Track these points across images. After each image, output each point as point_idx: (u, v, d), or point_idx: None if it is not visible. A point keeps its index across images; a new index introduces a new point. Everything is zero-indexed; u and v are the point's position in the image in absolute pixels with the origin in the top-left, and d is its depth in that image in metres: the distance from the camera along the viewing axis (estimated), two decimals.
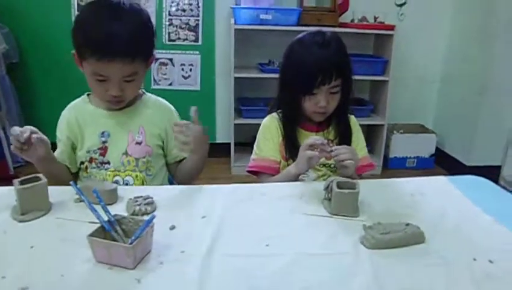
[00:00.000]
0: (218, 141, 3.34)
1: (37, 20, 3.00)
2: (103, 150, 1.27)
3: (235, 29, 2.75)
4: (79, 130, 1.28)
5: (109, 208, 0.99)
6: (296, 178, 1.27)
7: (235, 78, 2.85)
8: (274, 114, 1.43)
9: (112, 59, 1.11)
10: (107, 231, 0.84)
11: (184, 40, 3.11)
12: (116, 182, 1.25)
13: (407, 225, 0.92)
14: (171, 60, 3.14)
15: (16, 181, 0.99)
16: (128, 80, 1.18)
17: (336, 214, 1.01)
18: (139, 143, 1.29)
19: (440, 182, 1.27)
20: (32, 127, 1.12)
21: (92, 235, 0.80)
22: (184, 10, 3.05)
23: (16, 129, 1.09)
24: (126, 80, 1.17)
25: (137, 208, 1.01)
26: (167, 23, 3.06)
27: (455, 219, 1.03)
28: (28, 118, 3.12)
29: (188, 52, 3.14)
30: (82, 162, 1.29)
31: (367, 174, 1.45)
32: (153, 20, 2.96)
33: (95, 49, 1.11)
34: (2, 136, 2.77)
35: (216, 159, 3.09)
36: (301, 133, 1.39)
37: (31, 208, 0.98)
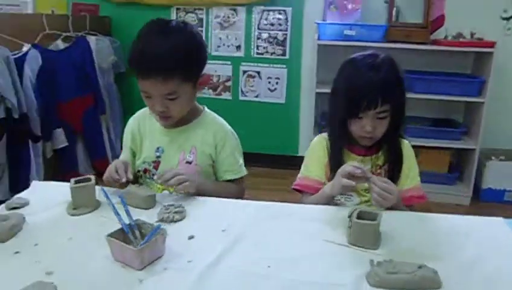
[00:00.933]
0: (300, 154, 3.35)
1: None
2: (156, 164, 1.37)
3: (319, 45, 2.75)
4: (139, 140, 1.42)
5: (145, 212, 1.13)
6: (330, 199, 1.26)
7: (318, 93, 2.85)
8: (324, 134, 1.42)
9: (146, 77, 1.19)
10: (126, 234, 0.94)
11: (272, 53, 3.21)
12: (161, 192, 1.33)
13: (421, 267, 0.85)
14: (258, 72, 3.26)
15: (72, 180, 1.15)
16: (170, 98, 1.23)
17: (354, 244, 0.99)
18: (189, 162, 1.35)
19: (496, 223, 1.14)
20: (123, 166, 1.25)
21: (110, 235, 0.91)
22: (273, 24, 3.15)
23: (113, 174, 1.23)
24: (167, 98, 1.22)
25: (166, 215, 1.10)
26: (255, 36, 3.19)
27: (494, 271, 0.91)
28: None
29: (275, 65, 3.23)
30: (138, 171, 1.41)
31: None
32: (242, 33, 3.14)
33: (133, 66, 1.22)
34: (105, 137, 3.15)
35: (297, 172, 3.12)
36: (349, 156, 1.36)
37: (81, 204, 1.13)
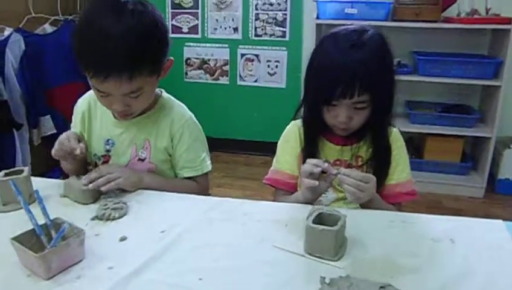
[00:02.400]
0: None
1: None
2: (106, 158, 1.21)
3: (318, 24, 2.55)
4: (88, 127, 1.25)
5: (85, 208, 0.99)
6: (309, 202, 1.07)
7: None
8: (298, 121, 1.23)
9: (106, 78, 0.98)
10: (38, 235, 0.80)
11: (271, 35, 3.02)
12: None
13: (383, 287, 0.69)
14: (257, 56, 3.09)
15: (1, 173, 1.03)
16: (134, 96, 1.05)
17: (310, 254, 0.82)
18: (142, 160, 1.19)
19: (494, 227, 0.95)
20: (77, 136, 1.13)
21: (17, 237, 0.78)
22: (271, 4, 2.96)
23: (65, 142, 1.11)
24: (130, 96, 1.05)
25: (102, 212, 0.96)
26: (254, 17, 3.01)
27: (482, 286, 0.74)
28: None
29: (274, 48, 3.05)
30: (88, 163, 1.26)
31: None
32: (239, 14, 2.96)
33: (86, 65, 1.00)
34: None
35: None
36: (325, 144, 1.18)
37: (11, 200, 1.00)
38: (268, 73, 3.11)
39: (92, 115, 1.25)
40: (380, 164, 1.14)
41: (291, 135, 1.22)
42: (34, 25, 2.57)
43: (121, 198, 1.04)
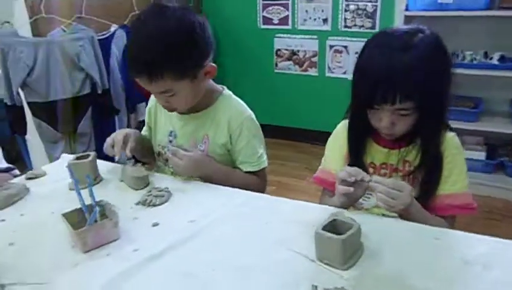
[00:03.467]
0: None
1: (229, 9, 3.38)
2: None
3: (407, 17, 2.39)
4: (154, 120, 1.38)
5: (136, 193, 1.11)
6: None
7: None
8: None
9: (134, 75, 1.11)
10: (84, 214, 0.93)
11: (360, 26, 2.91)
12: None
13: None
14: (345, 47, 3.01)
15: (73, 156, 1.21)
16: (168, 95, 1.14)
17: (320, 260, 0.82)
18: (201, 152, 1.25)
19: None
20: (123, 139, 1.22)
21: (67, 213, 0.91)
22: None
23: (108, 148, 1.24)
24: (164, 95, 1.14)
25: (145, 198, 1.07)
26: (343, 8, 2.92)
27: None
28: None
29: (363, 39, 2.89)
30: (153, 152, 1.38)
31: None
32: (329, 6, 2.91)
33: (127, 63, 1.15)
34: None
35: None
36: (373, 146, 1.14)
37: (80, 180, 1.16)
38: None
39: (158, 109, 1.36)
40: (428, 172, 1.06)
41: (340, 134, 1.19)
42: None
43: (167, 186, 1.13)
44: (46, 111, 2.31)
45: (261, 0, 3.21)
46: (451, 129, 1.12)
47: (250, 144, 1.26)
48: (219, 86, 1.32)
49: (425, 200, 1.04)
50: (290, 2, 3.10)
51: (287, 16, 3.14)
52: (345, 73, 3.07)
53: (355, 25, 2.93)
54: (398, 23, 2.52)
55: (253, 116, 1.30)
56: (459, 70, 2.31)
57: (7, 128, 2.42)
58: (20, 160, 2.70)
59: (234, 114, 1.26)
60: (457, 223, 1.10)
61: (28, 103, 2.28)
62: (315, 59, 3.14)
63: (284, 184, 2.74)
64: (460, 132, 2.60)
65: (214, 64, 1.19)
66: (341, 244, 0.77)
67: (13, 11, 2.29)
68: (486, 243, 0.86)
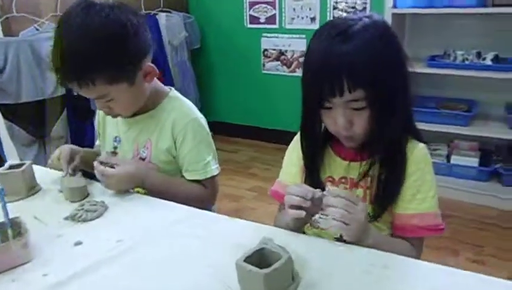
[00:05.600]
0: None
1: (216, 8, 3.29)
2: (114, 156, 1.21)
3: (395, 15, 2.28)
4: (103, 126, 1.29)
5: (71, 205, 1.02)
6: (296, 230, 0.93)
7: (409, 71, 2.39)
8: None
9: (61, 83, 1.03)
10: None
11: None
12: None
13: None
14: None
15: (6, 164, 1.12)
16: (105, 101, 1.06)
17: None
18: (143, 159, 1.17)
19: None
20: (69, 154, 1.17)
21: None
22: None
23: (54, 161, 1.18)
24: (101, 100, 1.06)
25: (75, 212, 0.97)
26: (331, 6, 2.81)
27: None
28: (205, 101, 3.48)
29: None
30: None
31: None
32: (316, 3, 2.80)
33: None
34: None
35: None
36: (332, 158, 1.02)
37: (9, 191, 1.07)
38: None
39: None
40: (387, 186, 0.95)
41: (298, 144, 1.08)
42: None
43: (104, 198, 1.04)
44: (17, 113, 2.23)
45: None
46: (421, 140, 1.00)
47: (195, 149, 1.16)
48: (166, 87, 1.23)
49: (376, 216, 0.94)
50: (277, 0, 2.99)
51: (274, 14, 3.04)
52: None
53: None
54: (386, 20, 2.41)
55: (202, 120, 1.20)
56: (450, 72, 2.27)
57: None
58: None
59: (179, 116, 1.16)
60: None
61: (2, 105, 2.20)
62: (303, 59, 3.03)
63: (266, 189, 2.63)
64: (452, 137, 2.51)
65: (152, 65, 1.10)
66: (263, 280, 0.66)
67: None
68: (440, 274, 0.75)
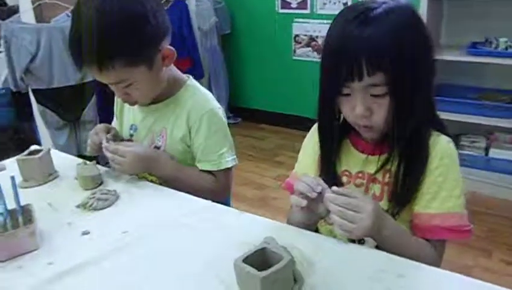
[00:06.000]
0: None
1: (249, 4, 3.24)
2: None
3: None
4: (120, 110, 1.29)
5: (85, 193, 1.03)
6: (307, 226, 0.89)
7: (436, 60, 2.27)
8: None
9: (81, 67, 1.01)
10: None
11: None
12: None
13: None
14: None
15: (26, 151, 1.14)
16: (123, 86, 1.04)
17: None
18: (158, 147, 1.16)
19: None
20: (105, 129, 1.17)
21: None
22: None
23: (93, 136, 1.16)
24: (119, 85, 1.04)
25: (86, 201, 0.98)
26: None
27: None
28: (235, 87, 3.45)
29: None
30: None
31: None
32: None
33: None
34: None
35: None
36: (349, 151, 0.97)
37: (29, 177, 1.10)
38: None
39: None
40: (407, 180, 0.89)
41: (315, 135, 1.04)
42: None
43: (117, 187, 1.04)
44: (49, 98, 2.29)
45: None
46: (446, 133, 0.93)
47: (210, 140, 1.13)
48: (184, 76, 1.21)
49: (394, 214, 0.88)
50: None
51: None
52: None
53: None
54: (422, 5, 2.28)
55: (219, 110, 1.16)
56: (491, 60, 2.12)
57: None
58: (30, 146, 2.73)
59: (195, 106, 1.14)
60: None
61: (32, 90, 2.27)
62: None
63: None
64: (491, 129, 2.37)
65: (171, 48, 1.07)
66: (260, 283, 0.63)
67: None
68: (459, 285, 0.70)
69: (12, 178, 0.89)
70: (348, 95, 0.84)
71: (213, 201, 1.00)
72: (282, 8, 3.06)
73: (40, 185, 1.10)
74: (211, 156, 1.14)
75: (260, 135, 3.31)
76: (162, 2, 2.82)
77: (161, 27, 1.04)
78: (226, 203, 1.30)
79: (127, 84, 1.04)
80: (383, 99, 0.82)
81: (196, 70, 3.01)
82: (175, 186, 1.08)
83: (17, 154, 1.14)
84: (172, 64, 1.15)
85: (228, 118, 3.52)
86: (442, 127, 0.93)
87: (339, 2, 2.82)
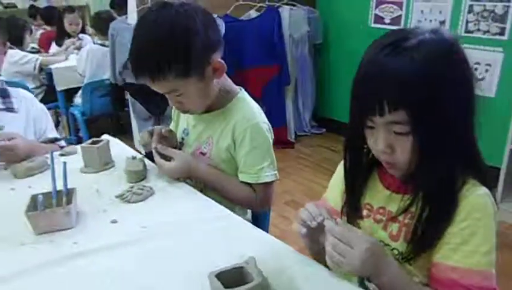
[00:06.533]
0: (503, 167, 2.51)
1: (342, 4, 3.19)
2: (182, 146, 1.31)
3: None
4: (177, 118, 1.38)
5: (126, 185, 1.15)
6: (315, 256, 0.91)
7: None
8: None
9: (138, 77, 1.10)
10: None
11: (485, 32, 2.44)
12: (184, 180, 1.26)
13: None
14: None
15: (90, 140, 1.30)
16: (177, 95, 1.12)
17: None
18: (203, 154, 1.23)
19: None
20: (160, 133, 1.24)
21: (36, 195, 0.98)
22: None
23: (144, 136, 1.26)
24: (172, 95, 1.12)
25: (124, 192, 1.09)
26: (466, 9, 2.49)
27: None
28: (322, 97, 3.44)
29: (487, 48, 2.46)
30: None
31: None
32: (449, 5, 2.54)
33: None
34: (289, 107, 3.22)
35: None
36: (375, 185, 0.94)
37: (89, 164, 1.26)
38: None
39: None
40: (428, 226, 0.82)
41: None
42: (241, 11, 2.90)
43: (156, 184, 1.15)
44: (139, 92, 2.54)
45: None
46: (486, 184, 0.84)
47: (251, 153, 1.17)
48: (237, 88, 1.26)
49: (409, 258, 0.84)
50: (404, 1, 2.77)
51: (400, 15, 2.83)
52: None
53: (478, 30, 2.47)
54: None
55: (263, 124, 1.20)
56: None
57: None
58: (127, 132, 3.06)
59: (241, 118, 1.18)
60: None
61: (127, 84, 2.54)
62: None
63: None
64: None
65: (222, 61, 1.13)
66: None
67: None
68: None
69: (64, 163, 1.04)
70: (372, 127, 0.81)
71: (253, 213, 1.04)
72: (375, 22, 2.98)
73: (96, 172, 1.24)
74: (251, 169, 1.18)
75: (340, 149, 3.25)
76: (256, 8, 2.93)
77: (212, 41, 1.10)
78: (266, 217, 1.35)
79: (179, 94, 1.12)
80: (406, 137, 0.78)
81: (282, 77, 3.07)
82: (217, 192, 1.16)
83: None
84: (226, 76, 1.22)
85: (312, 127, 3.58)
86: (482, 176, 0.84)
87: (435, 20, 2.65)
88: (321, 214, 0.82)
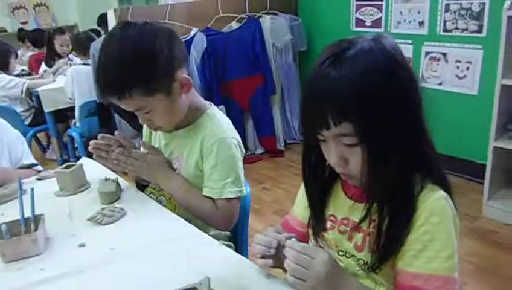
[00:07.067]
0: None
1: (324, 10, 3.21)
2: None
3: (510, 18, 1.93)
4: (149, 137, 1.40)
5: (99, 207, 1.16)
6: None
7: (505, 86, 2.05)
8: None
9: (105, 96, 1.11)
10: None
11: (463, 30, 2.45)
12: (157, 199, 1.28)
13: None
14: (444, 54, 2.58)
15: (64, 164, 1.31)
16: (145, 112, 1.13)
17: None
18: (174, 170, 1.24)
19: None
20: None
21: (7, 222, 0.99)
22: None
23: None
24: (143, 112, 1.13)
25: (95, 215, 1.10)
26: (443, 8, 2.50)
27: None
28: None
29: (467, 45, 2.47)
30: None
31: None
32: (426, 5, 2.55)
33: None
34: (276, 116, 3.23)
35: (477, 186, 2.43)
36: (339, 195, 0.94)
37: (62, 187, 1.27)
38: (457, 76, 2.56)
39: None
40: (389, 233, 0.82)
41: None
42: (222, 23, 2.92)
43: (127, 205, 1.15)
44: (121, 109, 2.54)
45: (354, 1, 2.97)
46: (446, 188, 0.83)
47: (217, 167, 1.17)
48: (207, 103, 1.27)
49: (375, 267, 0.84)
50: (383, 3, 2.79)
51: (380, 18, 2.85)
52: (440, 84, 2.64)
53: (456, 28, 2.48)
54: (502, 26, 2.06)
55: (232, 140, 1.19)
56: None
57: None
58: None
59: (209, 133, 1.19)
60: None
61: (112, 102, 2.54)
62: None
63: None
64: None
65: (188, 77, 1.14)
66: None
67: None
68: None
69: (32, 190, 1.05)
70: (324, 140, 0.81)
71: (216, 229, 1.05)
72: (356, 26, 2.99)
73: (70, 195, 1.25)
74: (214, 183, 1.18)
75: None
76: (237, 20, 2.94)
77: (176, 58, 1.11)
78: (243, 232, 1.35)
79: (147, 111, 1.13)
80: (356, 148, 0.78)
81: (268, 87, 3.08)
82: (181, 204, 1.18)
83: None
84: (195, 92, 1.23)
85: (301, 134, 3.57)
86: (441, 181, 0.84)
87: (414, 21, 2.67)
88: (275, 238, 0.83)
